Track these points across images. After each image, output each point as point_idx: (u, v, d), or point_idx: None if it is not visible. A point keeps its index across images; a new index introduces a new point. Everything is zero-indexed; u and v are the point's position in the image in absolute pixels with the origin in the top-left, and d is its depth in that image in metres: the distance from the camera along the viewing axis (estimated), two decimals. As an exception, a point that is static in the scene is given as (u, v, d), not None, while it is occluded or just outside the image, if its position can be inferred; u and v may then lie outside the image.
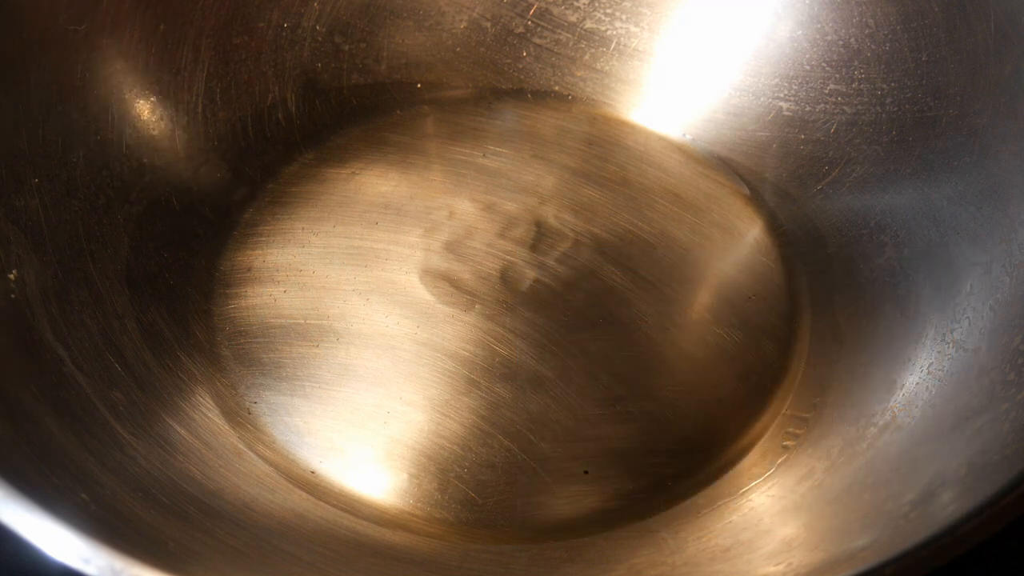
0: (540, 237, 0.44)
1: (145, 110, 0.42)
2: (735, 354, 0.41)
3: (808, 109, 0.46)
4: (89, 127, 0.40)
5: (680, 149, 0.47)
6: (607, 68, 0.49)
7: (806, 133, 0.46)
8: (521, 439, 0.38)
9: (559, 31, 0.49)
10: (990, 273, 0.36)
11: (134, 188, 0.41)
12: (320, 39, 0.47)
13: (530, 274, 0.42)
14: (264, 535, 0.33)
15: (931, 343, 0.37)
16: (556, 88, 0.49)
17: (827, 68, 0.45)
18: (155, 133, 0.42)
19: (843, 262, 0.43)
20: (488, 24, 0.49)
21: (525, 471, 0.37)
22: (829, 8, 0.45)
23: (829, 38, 0.45)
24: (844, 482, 0.35)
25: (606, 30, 0.49)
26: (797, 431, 0.39)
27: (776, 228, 0.45)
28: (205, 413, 0.38)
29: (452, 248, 0.43)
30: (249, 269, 0.42)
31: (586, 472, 0.37)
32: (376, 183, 0.45)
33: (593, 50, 0.49)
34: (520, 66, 0.49)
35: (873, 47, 0.44)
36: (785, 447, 0.38)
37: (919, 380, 0.36)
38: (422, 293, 0.41)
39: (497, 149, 0.47)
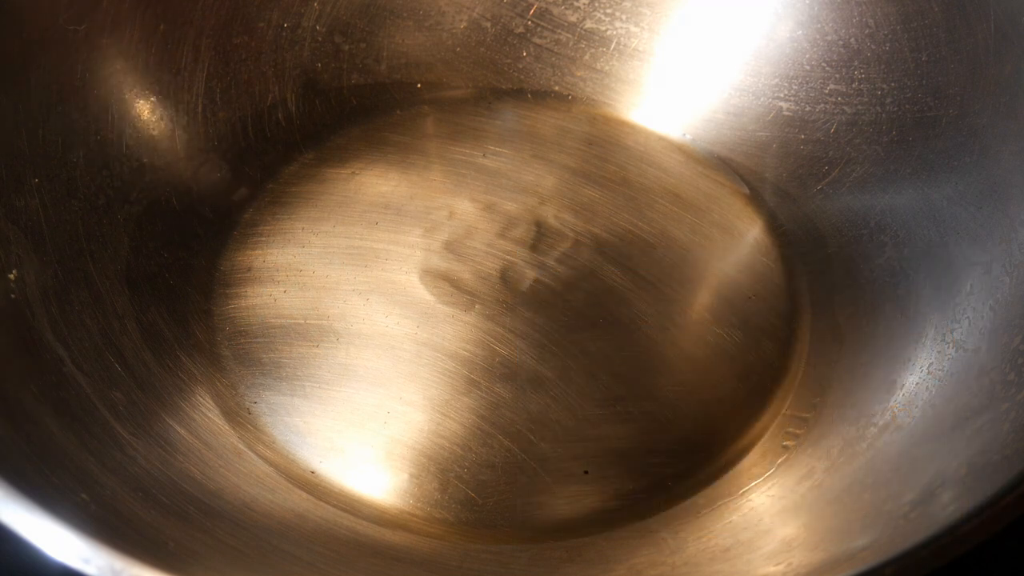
0: (540, 237, 0.44)
1: (145, 110, 0.42)
2: (735, 354, 0.41)
3: (808, 109, 0.46)
4: (89, 127, 0.40)
5: (680, 149, 0.47)
6: (607, 68, 0.49)
7: (806, 133, 0.46)
8: (521, 439, 0.38)
9: (559, 31, 0.49)
10: (990, 273, 0.36)
11: (134, 188, 0.41)
12: (320, 39, 0.47)
13: (530, 274, 0.42)
14: (264, 535, 0.33)
15: (931, 343, 0.37)
16: (556, 88, 0.49)
17: (827, 68, 0.45)
18: (155, 133, 0.42)
19: (843, 262, 0.43)
20: (488, 24, 0.49)
21: (525, 471, 0.37)
22: (829, 8, 0.45)
23: (829, 38, 0.45)
24: (844, 482, 0.35)
25: (606, 30, 0.49)
26: (797, 431, 0.39)
27: (776, 228, 0.45)
28: (205, 413, 0.38)
29: (452, 248, 0.43)
30: (249, 269, 0.42)
31: (586, 472, 0.37)
32: (376, 183, 0.45)
33: (593, 50, 0.49)
34: (520, 66, 0.49)
35: (873, 47, 0.44)
36: (785, 447, 0.38)
37: (919, 380, 0.36)
38: (422, 293, 0.41)
39: (497, 149, 0.47)
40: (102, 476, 0.31)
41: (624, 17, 0.48)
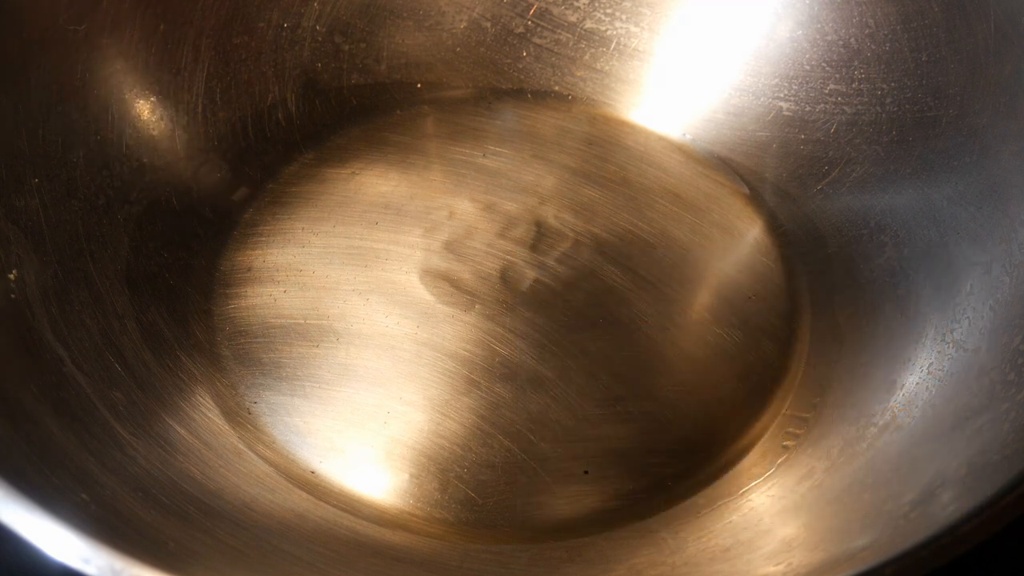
0: (540, 237, 0.44)
1: (145, 110, 0.42)
2: (735, 354, 0.41)
3: (808, 109, 0.46)
4: (89, 127, 0.40)
5: (680, 149, 0.47)
6: (607, 68, 0.49)
7: (806, 133, 0.46)
8: (521, 439, 0.38)
9: (559, 31, 0.49)
10: (990, 273, 0.36)
11: (134, 188, 0.41)
12: (320, 39, 0.47)
13: (530, 274, 0.42)
14: (264, 535, 0.33)
15: (931, 343, 0.37)
16: (556, 88, 0.49)
17: (827, 68, 0.45)
18: (155, 133, 0.42)
19: (843, 262, 0.43)
20: (488, 24, 0.49)
21: (525, 471, 0.37)
22: (829, 8, 0.45)
23: (829, 38, 0.45)
24: (844, 482, 0.35)
25: (606, 30, 0.49)
26: (797, 431, 0.39)
27: (776, 228, 0.45)
28: (205, 413, 0.38)
29: (452, 248, 0.43)
30: (249, 269, 0.42)
31: (586, 472, 0.37)
32: (376, 183, 0.45)
33: (593, 50, 0.49)
34: (520, 66, 0.49)
35: (873, 47, 0.44)
36: (785, 447, 0.38)
37: (919, 380, 0.36)
38: (422, 293, 0.41)
39: (497, 149, 0.47)
40: (102, 476, 0.31)
41: (624, 17, 0.48)
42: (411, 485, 0.37)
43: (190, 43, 0.43)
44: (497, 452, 0.38)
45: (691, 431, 0.39)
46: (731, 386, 0.40)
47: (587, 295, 0.42)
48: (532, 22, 0.49)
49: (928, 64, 0.42)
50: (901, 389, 0.37)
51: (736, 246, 0.45)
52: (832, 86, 0.45)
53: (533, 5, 0.49)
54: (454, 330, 0.40)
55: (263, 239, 0.43)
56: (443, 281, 0.42)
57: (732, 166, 0.47)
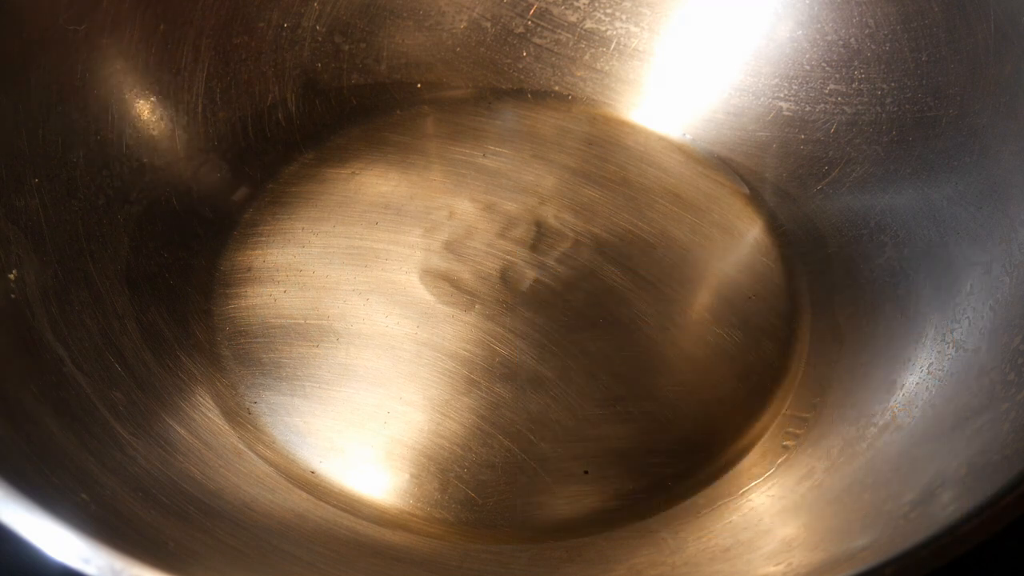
0: (540, 237, 0.44)
1: (145, 110, 0.42)
2: (735, 354, 0.41)
3: (808, 109, 0.46)
4: (89, 127, 0.40)
5: (680, 149, 0.47)
6: (607, 68, 0.49)
7: (806, 133, 0.46)
8: (521, 439, 0.38)
9: (559, 31, 0.49)
10: (990, 273, 0.36)
11: (134, 188, 0.41)
12: (320, 39, 0.47)
13: (530, 274, 0.42)
14: (264, 535, 0.33)
15: (931, 343, 0.37)
16: (556, 88, 0.49)
17: (827, 68, 0.45)
18: (155, 133, 0.42)
19: (843, 262, 0.43)
20: (488, 24, 0.49)
21: (525, 471, 0.37)
22: (829, 8, 0.45)
23: (829, 38, 0.45)
24: (844, 482, 0.35)
25: (606, 30, 0.49)
26: (797, 431, 0.39)
27: (776, 228, 0.45)
28: (205, 413, 0.38)
29: (452, 248, 0.43)
30: (249, 269, 0.42)
31: (586, 472, 0.37)
32: (376, 183, 0.45)
33: (593, 50, 0.49)
34: (520, 66, 0.49)
35: (873, 47, 0.44)
36: (785, 447, 0.38)
37: (919, 380, 0.36)
38: (422, 293, 0.41)
39: (497, 149, 0.47)
40: (102, 476, 0.31)
41: (624, 17, 0.48)
42: (411, 485, 0.37)
43: (190, 43, 0.43)
44: (497, 452, 0.38)
45: (691, 431, 0.39)
46: (731, 386, 0.40)
47: (587, 295, 0.42)
48: (532, 22, 0.49)
49: (928, 64, 0.42)
50: (901, 389, 0.37)
51: (736, 246, 0.45)
52: (832, 86, 0.45)
53: (533, 5, 0.49)
54: (454, 330, 0.40)
55: (263, 239, 0.43)
56: (443, 281, 0.42)
57: (732, 166, 0.47)
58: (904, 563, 0.26)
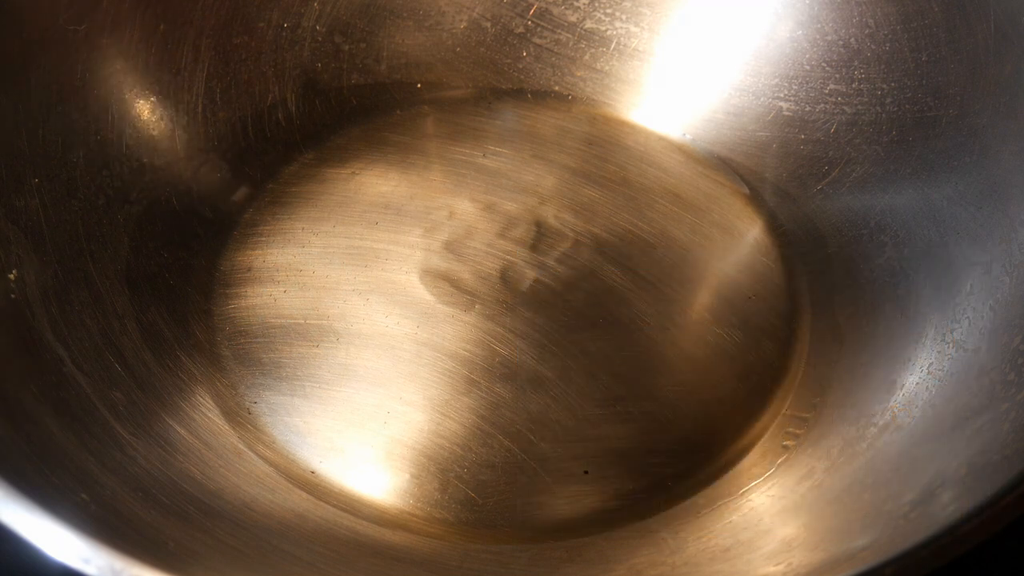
0: (540, 237, 0.44)
1: (145, 110, 0.42)
2: (735, 354, 0.41)
3: (808, 109, 0.46)
4: (89, 127, 0.40)
5: (680, 149, 0.47)
6: (607, 68, 0.49)
7: (806, 133, 0.46)
8: (521, 439, 0.38)
9: (559, 31, 0.49)
10: (990, 273, 0.36)
11: (134, 188, 0.41)
12: (320, 39, 0.47)
13: (530, 274, 0.42)
14: (264, 535, 0.33)
15: (931, 343, 0.37)
16: (556, 88, 0.49)
17: (827, 68, 0.45)
18: (155, 133, 0.42)
19: (843, 262, 0.43)
20: (488, 24, 0.49)
21: (525, 471, 0.37)
22: (829, 8, 0.45)
23: (829, 38, 0.45)
24: (844, 482, 0.35)
25: (606, 30, 0.49)
26: (797, 431, 0.39)
27: (776, 228, 0.45)
28: (205, 413, 0.38)
29: (452, 248, 0.43)
30: (249, 269, 0.42)
31: (586, 472, 0.37)
32: (376, 183, 0.45)
33: (593, 50, 0.49)
34: (520, 66, 0.49)
35: (873, 47, 0.44)
36: (785, 447, 0.38)
37: (919, 380, 0.36)
38: (422, 293, 0.41)
39: (497, 149, 0.47)
40: (102, 476, 0.31)
41: (624, 17, 0.48)
42: (411, 485, 0.37)
43: (190, 43, 0.43)
44: (497, 452, 0.38)
45: (691, 431, 0.39)
46: (731, 386, 0.40)
47: (587, 295, 0.42)
48: (532, 22, 0.49)
49: (928, 64, 0.42)
50: (901, 389, 0.37)
51: (736, 246, 0.45)
52: (832, 86, 0.45)
53: (533, 5, 0.49)
54: (454, 330, 0.40)
55: (263, 239, 0.43)
56: (443, 281, 0.42)
57: (732, 166, 0.47)
58: (904, 563, 0.26)
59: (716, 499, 0.37)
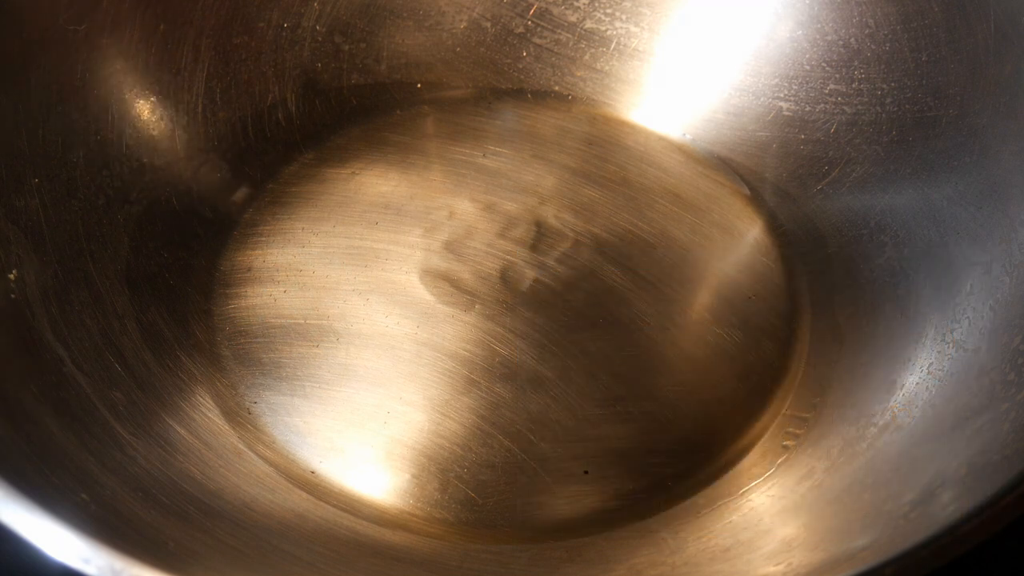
0: (540, 237, 0.44)
1: (145, 110, 0.42)
2: (735, 354, 0.41)
3: (808, 109, 0.46)
4: (89, 127, 0.40)
5: (680, 149, 0.47)
6: (607, 68, 0.49)
7: (806, 133, 0.46)
8: (521, 439, 0.38)
9: (559, 31, 0.49)
10: (990, 273, 0.36)
11: (134, 188, 0.41)
12: (320, 39, 0.47)
13: (530, 274, 0.42)
14: (264, 535, 0.33)
15: (931, 343, 0.37)
16: (556, 88, 0.49)
17: (827, 68, 0.45)
18: (155, 133, 0.42)
19: (843, 262, 0.43)
20: (488, 24, 0.49)
21: (525, 471, 0.37)
22: (829, 8, 0.45)
23: (829, 38, 0.45)
24: (844, 482, 0.35)
25: (606, 30, 0.49)
26: (797, 431, 0.39)
27: (776, 228, 0.45)
28: (205, 413, 0.38)
29: (452, 248, 0.43)
30: (249, 269, 0.42)
31: (586, 472, 0.37)
32: (376, 183, 0.45)
33: (593, 50, 0.49)
34: (520, 66, 0.49)
35: (873, 47, 0.44)
36: (785, 447, 0.38)
37: (919, 380, 0.36)
38: (422, 293, 0.41)
39: (497, 149, 0.47)
40: (102, 476, 0.31)
41: (624, 17, 0.48)
42: (411, 485, 0.37)
43: (190, 43, 0.43)
44: (497, 452, 0.38)
45: (691, 431, 0.39)
46: (731, 386, 0.40)
47: (587, 295, 0.42)
48: (532, 22, 0.49)
49: (928, 64, 0.42)
50: (901, 389, 0.37)
51: (736, 246, 0.45)
52: (832, 86, 0.45)
53: (533, 5, 0.49)
54: (454, 330, 0.40)
55: (263, 239, 0.43)
56: (443, 281, 0.42)
57: (732, 166, 0.47)
58: (904, 563, 0.26)
59: (716, 499, 0.37)
